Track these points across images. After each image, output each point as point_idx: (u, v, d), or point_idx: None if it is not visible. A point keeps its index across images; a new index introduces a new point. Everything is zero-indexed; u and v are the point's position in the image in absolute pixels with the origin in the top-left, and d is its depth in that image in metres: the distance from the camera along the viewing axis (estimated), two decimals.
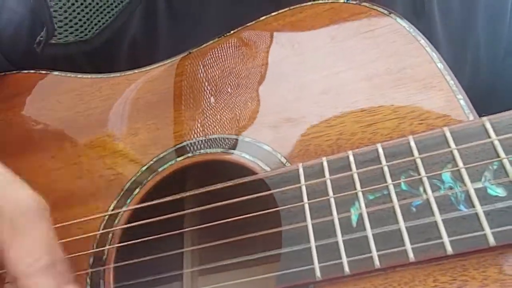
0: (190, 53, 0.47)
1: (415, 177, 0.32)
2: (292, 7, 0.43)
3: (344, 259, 0.31)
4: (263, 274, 0.36)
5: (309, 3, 0.43)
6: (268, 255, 0.36)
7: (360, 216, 0.32)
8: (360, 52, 0.39)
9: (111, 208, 0.43)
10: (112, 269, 0.41)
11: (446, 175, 0.32)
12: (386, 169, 0.33)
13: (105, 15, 0.49)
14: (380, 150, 0.34)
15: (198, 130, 0.43)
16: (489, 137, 0.32)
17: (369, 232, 0.32)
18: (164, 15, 0.51)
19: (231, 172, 0.39)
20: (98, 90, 0.49)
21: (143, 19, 0.51)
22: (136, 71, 0.48)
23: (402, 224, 0.31)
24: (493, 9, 0.54)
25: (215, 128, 0.42)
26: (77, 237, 0.42)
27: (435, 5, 0.51)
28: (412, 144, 0.33)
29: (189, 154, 0.42)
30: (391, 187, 0.33)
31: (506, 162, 0.31)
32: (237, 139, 0.41)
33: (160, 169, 0.43)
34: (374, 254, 0.31)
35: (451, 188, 0.31)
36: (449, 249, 0.29)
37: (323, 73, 0.40)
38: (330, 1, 0.42)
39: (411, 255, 0.30)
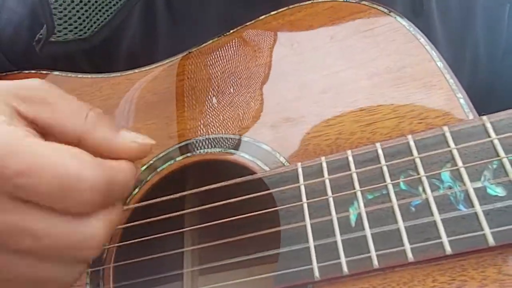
0: (189, 52, 0.47)
1: (414, 177, 0.32)
2: (291, 6, 0.43)
3: (343, 259, 0.31)
4: (263, 273, 0.36)
5: (309, 2, 0.43)
6: (267, 254, 0.36)
7: (359, 216, 0.32)
8: (360, 51, 0.39)
9: None
10: (112, 268, 0.41)
11: (446, 175, 0.32)
12: (385, 168, 0.33)
13: (104, 13, 0.49)
14: (379, 150, 0.34)
15: (198, 129, 0.43)
16: (489, 136, 0.31)
17: (368, 232, 0.31)
18: (164, 15, 0.51)
19: (230, 172, 0.39)
20: (99, 90, 0.49)
21: (142, 19, 0.52)
22: (136, 70, 0.48)
23: (401, 224, 0.31)
24: (492, 9, 0.53)
25: (214, 128, 0.42)
26: None
27: (434, 4, 0.51)
28: (412, 143, 0.33)
29: (188, 154, 0.42)
30: (390, 187, 0.32)
31: (505, 161, 0.30)
32: (236, 139, 0.41)
33: (159, 169, 0.43)
34: (373, 254, 0.31)
35: (450, 187, 0.31)
36: (448, 249, 0.29)
37: (322, 73, 0.40)
38: (329, 0, 0.42)
39: (410, 255, 0.30)
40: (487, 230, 0.29)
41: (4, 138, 0.25)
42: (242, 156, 0.39)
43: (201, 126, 0.43)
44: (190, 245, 0.45)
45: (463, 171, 0.31)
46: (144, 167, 0.43)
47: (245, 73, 0.43)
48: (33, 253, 0.26)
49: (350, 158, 0.34)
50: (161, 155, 0.43)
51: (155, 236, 0.39)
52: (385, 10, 0.39)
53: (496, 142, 0.31)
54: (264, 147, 0.39)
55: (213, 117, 0.43)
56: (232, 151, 0.40)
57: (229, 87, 0.43)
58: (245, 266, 0.42)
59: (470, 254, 0.29)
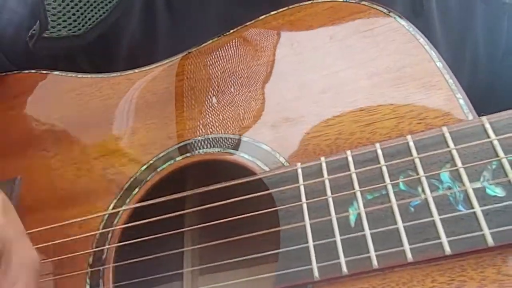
0: (189, 52, 0.47)
1: (413, 177, 0.32)
2: (291, 6, 0.43)
3: (342, 259, 0.31)
4: (263, 273, 0.36)
5: (309, 2, 0.43)
6: (267, 254, 0.36)
7: (359, 216, 0.32)
8: (360, 51, 0.39)
9: (111, 207, 0.43)
10: (112, 268, 0.41)
11: (445, 175, 0.32)
12: (384, 169, 0.33)
13: (99, 10, 0.49)
14: (379, 150, 0.34)
15: (197, 129, 0.43)
16: (488, 136, 0.32)
17: (367, 232, 0.31)
18: (164, 15, 0.51)
19: (230, 172, 0.39)
20: (98, 90, 0.49)
21: (142, 19, 0.52)
22: (136, 70, 0.48)
23: (400, 224, 0.31)
24: (492, 9, 0.53)
25: (214, 128, 0.42)
26: (76, 237, 0.42)
27: (434, 4, 0.51)
28: (411, 144, 0.33)
29: (188, 154, 0.42)
30: (390, 187, 0.32)
31: (505, 161, 0.30)
32: (236, 139, 0.41)
33: (159, 169, 0.43)
34: (372, 254, 0.31)
35: (449, 188, 0.31)
36: (448, 249, 0.29)
37: (322, 73, 0.40)
38: (329, 0, 0.42)
39: (409, 255, 0.30)
40: (486, 231, 0.29)
41: None
42: (242, 156, 0.39)
43: (201, 126, 0.43)
44: (190, 245, 0.45)
45: (462, 172, 0.31)
46: (144, 167, 0.43)
47: (244, 73, 0.43)
48: None
49: (350, 158, 0.34)
50: (160, 155, 0.43)
51: (155, 236, 0.39)
52: (385, 10, 0.39)
53: (495, 142, 0.31)
54: (264, 147, 0.39)
55: (213, 117, 0.43)
56: (232, 151, 0.40)
57: (228, 87, 0.43)
58: (245, 266, 0.42)
59: (469, 254, 0.29)
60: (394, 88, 0.37)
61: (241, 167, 0.39)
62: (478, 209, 0.30)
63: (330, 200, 0.34)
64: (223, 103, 0.43)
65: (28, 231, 0.38)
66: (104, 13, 0.50)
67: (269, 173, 0.37)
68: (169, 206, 0.40)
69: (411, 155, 0.33)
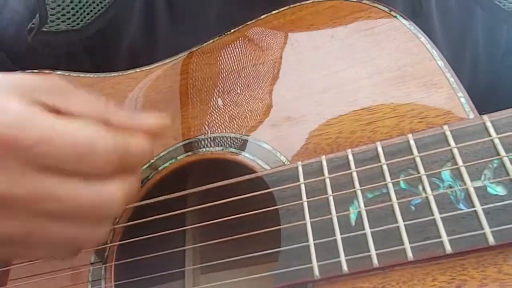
0: (192, 51, 0.47)
1: (414, 176, 0.32)
2: (292, 6, 0.43)
3: (343, 258, 0.31)
4: (263, 272, 0.36)
5: (310, 1, 0.43)
6: (268, 253, 0.36)
7: (359, 215, 0.32)
8: (361, 50, 0.39)
9: None
10: (113, 266, 0.41)
11: (446, 174, 0.32)
12: (385, 167, 0.33)
13: (98, 4, 0.50)
14: (380, 149, 0.34)
15: (199, 128, 0.43)
16: (490, 135, 0.31)
17: (368, 230, 0.31)
18: (164, 14, 0.51)
19: (231, 171, 0.39)
20: (100, 90, 0.49)
21: (142, 19, 0.52)
22: (137, 70, 0.48)
23: (401, 223, 0.31)
24: (491, 9, 0.53)
25: (215, 127, 0.42)
26: None
27: (434, 4, 0.51)
28: (412, 142, 0.33)
29: (190, 153, 0.42)
30: (390, 186, 0.32)
31: (506, 160, 0.30)
32: (237, 138, 0.41)
33: (161, 167, 0.43)
34: (373, 253, 0.31)
35: (450, 186, 0.31)
36: (448, 248, 0.29)
37: (323, 72, 0.40)
38: None
39: (410, 254, 0.30)
40: (487, 229, 0.29)
41: (23, 114, 0.27)
42: (243, 155, 0.39)
43: (202, 125, 0.43)
44: (192, 244, 0.45)
45: (463, 170, 0.31)
46: (146, 165, 0.43)
47: (245, 73, 0.43)
48: (60, 215, 0.28)
49: (350, 157, 0.34)
50: (162, 154, 0.43)
51: (157, 234, 0.39)
52: (386, 9, 0.39)
53: (496, 141, 0.31)
54: (265, 146, 0.39)
55: (214, 116, 0.43)
56: (233, 150, 0.40)
57: (230, 86, 0.43)
58: (246, 265, 0.42)
59: (470, 253, 0.29)
60: (395, 87, 0.37)
61: (242, 166, 0.39)
62: (479, 207, 0.30)
63: (331, 199, 0.34)
64: (224, 102, 0.43)
65: None
66: (103, 7, 0.50)
67: (270, 171, 0.37)
68: (171, 205, 0.40)
69: (412, 154, 0.33)
